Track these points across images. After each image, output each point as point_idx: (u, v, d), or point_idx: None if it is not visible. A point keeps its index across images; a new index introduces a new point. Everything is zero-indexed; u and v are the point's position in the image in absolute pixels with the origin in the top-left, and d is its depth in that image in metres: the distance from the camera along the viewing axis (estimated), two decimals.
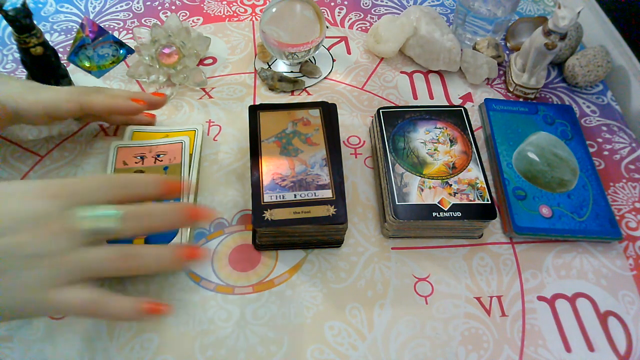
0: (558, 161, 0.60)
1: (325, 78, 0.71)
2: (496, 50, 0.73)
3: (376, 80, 0.71)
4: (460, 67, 0.72)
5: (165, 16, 0.79)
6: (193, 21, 0.78)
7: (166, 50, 0.66)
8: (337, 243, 0.54)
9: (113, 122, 0.63)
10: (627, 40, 0.72)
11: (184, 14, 0.79)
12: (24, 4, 0.55)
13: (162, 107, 0.61)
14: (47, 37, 0.67)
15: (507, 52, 0.77)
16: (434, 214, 0.52)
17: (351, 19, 0.81)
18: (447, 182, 0.54)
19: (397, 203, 0.52)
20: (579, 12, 0.60)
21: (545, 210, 0.56)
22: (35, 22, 0.58)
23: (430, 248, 0.55)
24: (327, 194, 0.51)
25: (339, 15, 0.81)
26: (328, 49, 0.75)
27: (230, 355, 0.47)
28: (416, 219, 0.52)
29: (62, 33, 0.76)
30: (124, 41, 0.73)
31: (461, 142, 0.58)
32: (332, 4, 0.83)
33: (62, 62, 0.65)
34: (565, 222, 0.55)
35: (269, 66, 0.72)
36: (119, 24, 0.77)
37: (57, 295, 0.37)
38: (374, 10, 0.82)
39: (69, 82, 0.65)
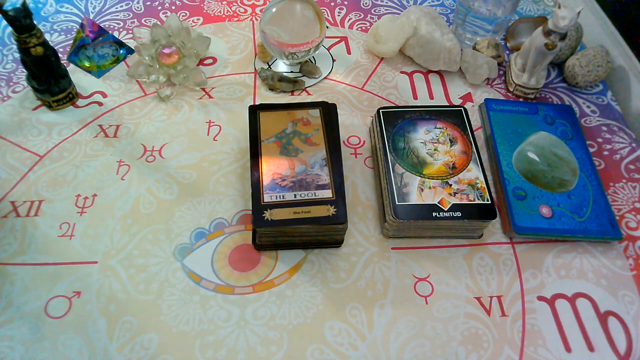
0: (558, 161, 0.60)
1: (325, 78, 0.71)
2: (496, 50, 0.73)
3: (376, 80, 0.71)
4: (460, 67, 0.72)
5: (165, 16, 0.79)
6: (193, 21, 0.78)
7: (166, 50, 0.66)
8: (337, 243, 0.54)
9: None
10: (627, 40, 0.72)
11: (184, 14, 0.79)
12: (24, 4, 0.55)
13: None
14: (47, 37, 0.67)
15: (507, 52, 0.77)
16: (434, 214, 0.52)
17: (351, 19, 0.81)
18: (447, 182, 0.54)
19: (397, 203, 0.52)
20: (579, 12, 0.60)
21: (545, 210, 0.56)
22: (35, 22, 0.58)
23: (430, 248, 0.55)
24: (327, 194, 0.51)
25: (339, 15, 0.81)
26: (328, 49, 0.75)
27: (230, 355, 0.47)
28: (416, 219, 0.52)
29: (62, 33, 0.76)
30: (124, 41, 0.73)
31: (461, 142, 0.58)
32: (332, 4, 0.83)
33: (62, 62, 0.65)
34: (565, 222, 0.55)
35: (269, 66, 0.72)
36: (119, 24, 0.77)
37: None
38: (374, 10, 0.82)
39: (69, 82, 0.65)
